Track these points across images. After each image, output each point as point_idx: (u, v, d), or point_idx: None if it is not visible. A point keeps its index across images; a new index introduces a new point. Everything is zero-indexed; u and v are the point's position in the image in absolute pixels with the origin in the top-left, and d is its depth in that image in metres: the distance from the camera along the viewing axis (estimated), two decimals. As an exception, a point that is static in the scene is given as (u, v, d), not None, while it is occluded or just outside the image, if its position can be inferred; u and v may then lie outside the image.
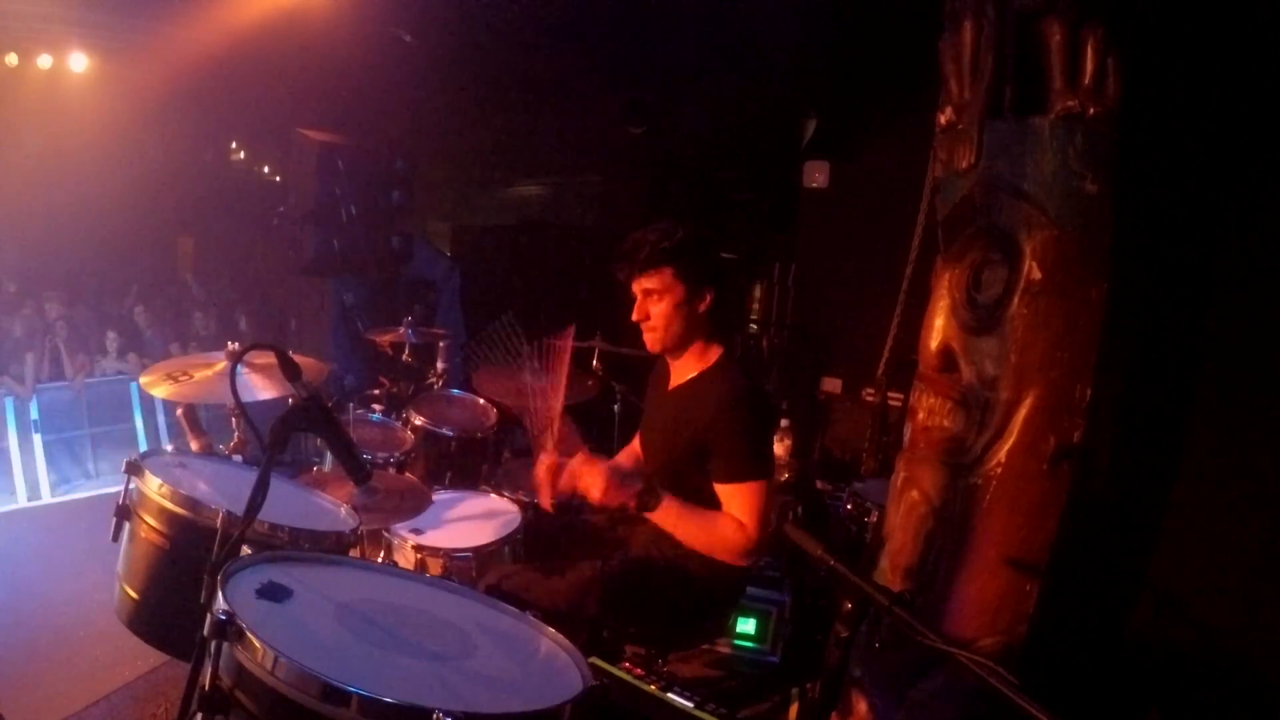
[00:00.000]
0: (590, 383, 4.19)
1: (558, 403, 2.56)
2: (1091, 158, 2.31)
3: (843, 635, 1.59)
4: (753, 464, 2.34)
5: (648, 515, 2.36)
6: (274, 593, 1.60)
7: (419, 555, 2.89)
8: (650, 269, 2.40)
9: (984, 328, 2.45)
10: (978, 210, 2.52)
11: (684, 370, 2.53)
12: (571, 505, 2.63)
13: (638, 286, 2.44)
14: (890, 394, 4.20)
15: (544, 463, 2.50)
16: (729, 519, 2.34)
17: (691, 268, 2.39)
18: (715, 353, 2.49)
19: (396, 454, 3.55)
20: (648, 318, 2.44)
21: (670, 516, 2.35)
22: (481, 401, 4.13)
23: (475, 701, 1.45)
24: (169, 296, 8.42)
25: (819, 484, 4.48)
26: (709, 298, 2.43)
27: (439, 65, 6.16)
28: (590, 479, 2.32)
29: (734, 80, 5.85)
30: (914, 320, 2.84)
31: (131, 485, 2.09)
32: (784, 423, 4.35)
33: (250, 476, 1.67)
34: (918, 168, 2.99)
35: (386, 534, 2.99)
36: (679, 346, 2.48)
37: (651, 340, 2.48)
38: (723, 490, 2.35)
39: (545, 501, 2.53)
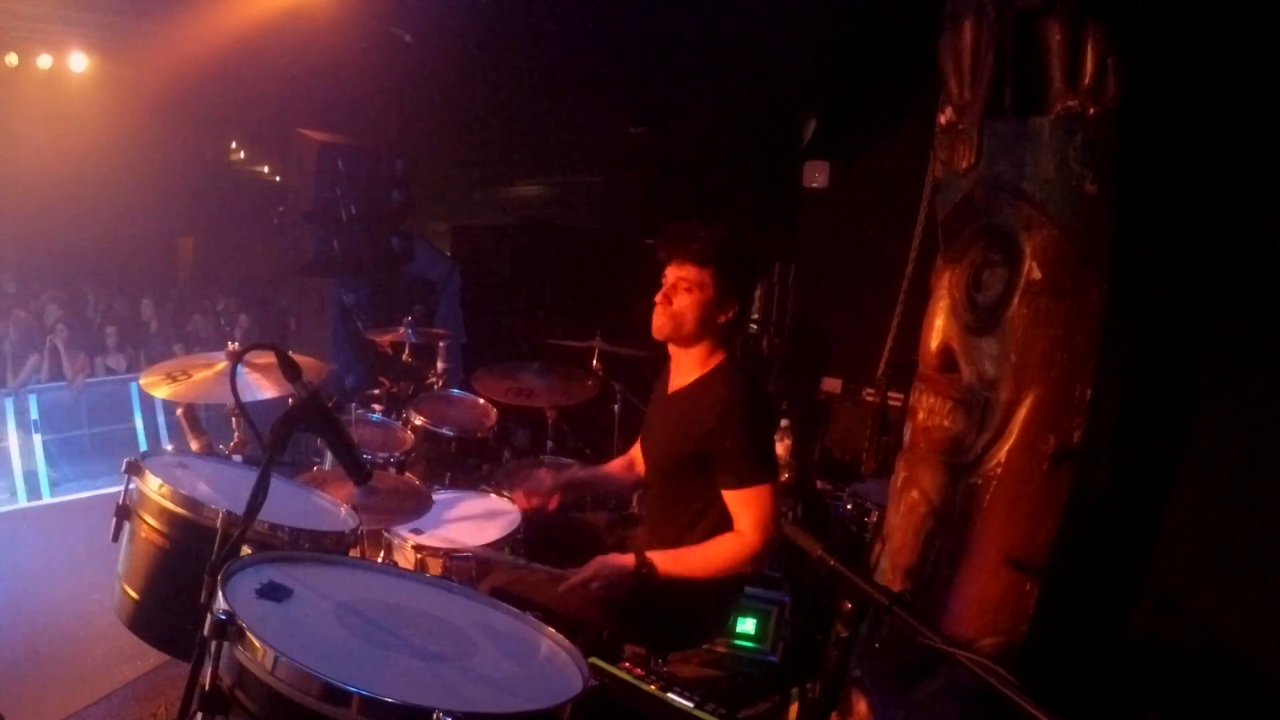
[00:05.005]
0: (590, 383, 4.19)
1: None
2: (1091, 158, 2.31)
3: (843, 635, 1.59)
4: (758, 468, 2.34)
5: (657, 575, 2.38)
6: (274, 593, 1.60)
7: (419, 555, 2.88)
8: (696, 262, 2.38)
9: (984, 328, 2.45)
10: (978, 210, 2.52)
11: (686, 373, 2.53)
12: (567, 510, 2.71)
13: (674, 272, 2.42)
14: (890, 394, 4.21)
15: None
16: (724, 538, 2.36)
17: (730, 278, 2.40)
18: (718, 357, 2.48)
19: (396, 454, 3.55)
20: (670, 303, 2.42)
21: (670, 567, 2.37)
22: (481, 401, 4.13)
23: (475, 701, 1.45)
24: (172, 297, 8.42)
25: (819, 484, 4.48)
26: (732, 311, 2.44)
27: (439, 65, 6.16)
28: (594, 579, 2.37)
29: (734, 80, 5.85)
30: (914, 320, 2.84)
31: (131, 485, 2.09)
32: (784, 423, 4.34)
33: (250, 476, 1.67)
34: (918, 168, 2.99)
35: (386, 534, 2.99)
36: (683, 341, 2.48)
37: (660, 324, 2.45)
38: (730, 496, 2.36)
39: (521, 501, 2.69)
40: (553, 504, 2.71)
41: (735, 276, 2.42)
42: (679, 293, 2.41)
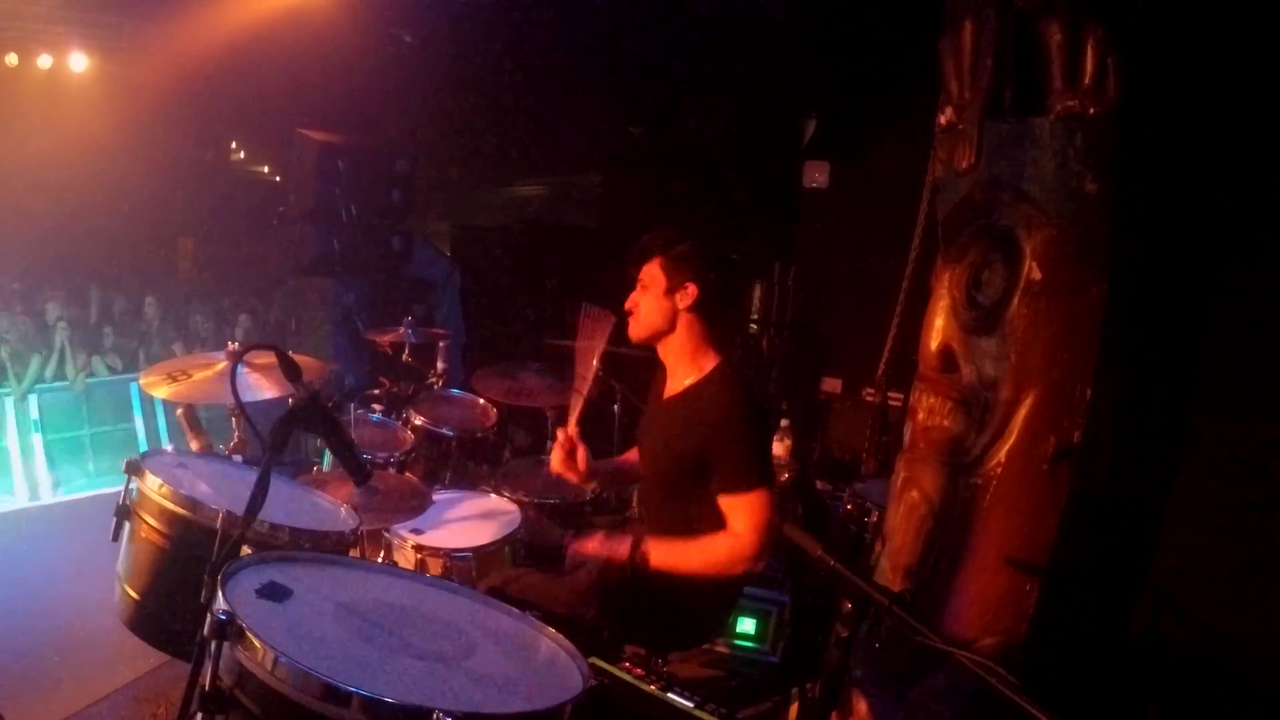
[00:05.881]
0: (590, 383, 4.18)
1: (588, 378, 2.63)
2: (1091, 158, 2.31)
3: (843, 635, 1.59)
4: (754, 474, 2.34)
5: (649, 566, 2.40)
6: (274, 593, 1.60)
7: (419, 555, 2.89)
8: (641, 261, 2.49)
9: (984, 328, 2.45)
10: (978, 210, 2.52)
11: (680, 378, 2.53)
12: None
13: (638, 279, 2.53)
14: (890, 394, 4.20)
15: (562, 438, 2.57)
16: (721, 537, 2.35)
17: (674, 260, 2.46)
18: (711, 361, 2.49)
19: (396, 454, 3.55)
20: (636, 307, 2.51)
21: (664, 559, 2.39)
22: (481, 401, 4.14)
23: (475, 701, 1.45)
24: (174, 296, 8.42)
25: (819, 484, 4.48)
26: (692, 291, 2.43)
27: (439, 65, 6.16)
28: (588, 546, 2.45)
29: (734, 80, 5.85)
30: (914, 320, 2.84)
31: (131, 485, 2.09)
32: (784, 423, 4.35)
33: (250, 476, 1.67)
34: (918, 168, 2.99)
35: (386, 534, 2.99)
36: (655, 338, 2.52)
37: (630, 328, 2.54)
38: (725, 502, 2.36)
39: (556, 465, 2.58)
40: (580, 448, 2.61)
41: (679, 260, 2.45)
42: (636, 294, 2.51)
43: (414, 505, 2.90)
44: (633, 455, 2.88)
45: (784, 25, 5.06)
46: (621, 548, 2.39)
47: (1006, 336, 2.39)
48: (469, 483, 3.62)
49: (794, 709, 3.20)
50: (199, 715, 1.41)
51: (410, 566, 2.85)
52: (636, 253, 2.51)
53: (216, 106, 7.79)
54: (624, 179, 7.23)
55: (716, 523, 2.40)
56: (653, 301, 2.47)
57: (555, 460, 2.57)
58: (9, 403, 6.38)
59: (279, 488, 1.99)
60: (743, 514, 2.33)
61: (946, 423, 2.54)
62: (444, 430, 3.85)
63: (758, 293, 6.27)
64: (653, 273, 2.47)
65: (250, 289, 8.88)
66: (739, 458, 2.34)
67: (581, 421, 2.59)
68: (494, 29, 5.66)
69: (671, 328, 2.48)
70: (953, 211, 2.62)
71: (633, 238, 2.56)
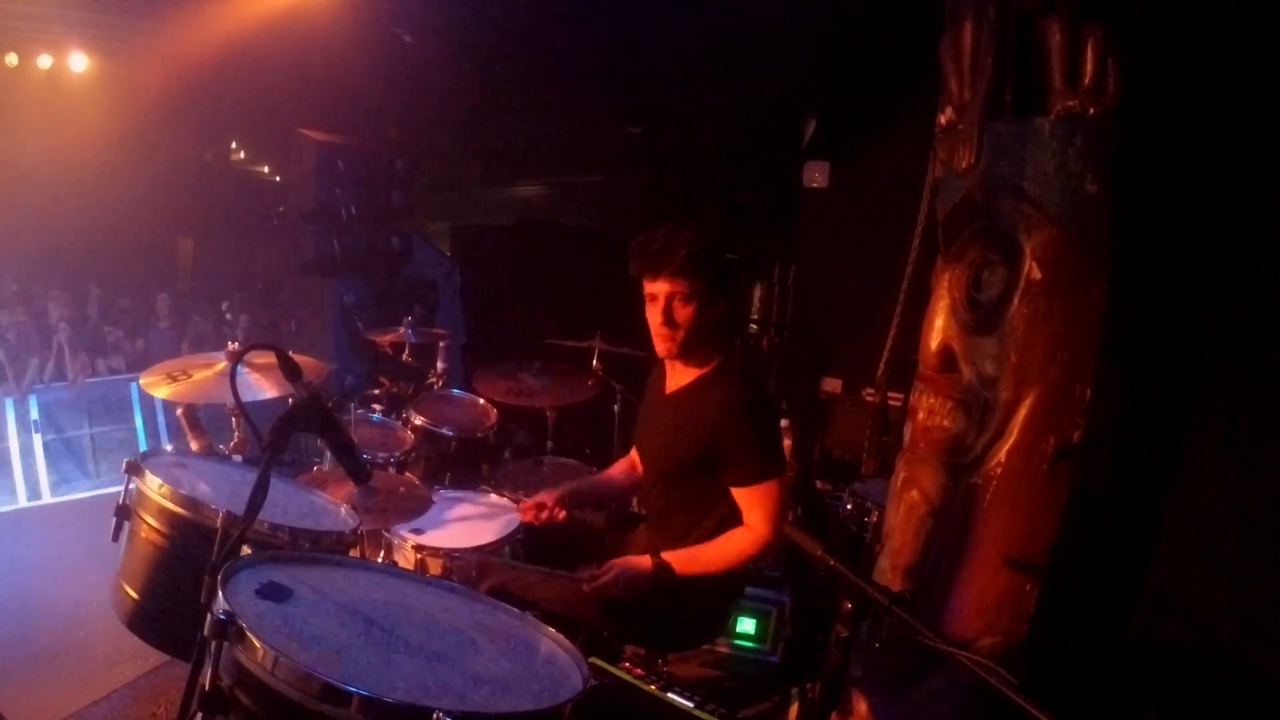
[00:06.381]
0: (590, 383, 4.19)
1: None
2: (1091, 158, 2.31)
3: (843, 635, 1.59)
4: (766, 465, 2.36)
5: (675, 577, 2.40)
6: (274, 593, 1.60)
7: (419, 555, 2.89)
8: (681, 274, 2.34)
9: (984, 328, 2.45)
10: (978, 210, 2.52)
11: (682, 374, 2.52)
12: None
13: (657, 287, 2.37)
14: (890, 394, 4.20)
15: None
16: (738, 533, 2.38)
17: (711, 278, 2.38)
18: (715, 357, 2.48)
19: (396, 454, 3.56)
20: (673, 322, 2.37)
21: (687, 567, 2.39)
22: (481, 401, 4.14)
23: (475, 701, 1.45)
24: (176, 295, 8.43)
25: (819, 484, 4.48)
26: (721, 306, 2.44)
27: (439, 65, 6.16)
28: (615, 584, 2.38)
29: (734, 80, 5.85)
30: (914, 320, 2.84)
31: (131, 485, 2.09)
32: (784, 423, 4.34)
33: (250, 476, 1.67)
34: (918, 168, 2.99)
35: (386, 534, 2.99)
36: (687, 352, 2.45)
37: (668, 346, 2.41)
38: (740, 494, 2.38)
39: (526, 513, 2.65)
40: (560, 516, 2.64)
41: (717, 275, 2.39)
42: (677, 308, 2.37)
43: (414, 505, 2.91)
44: (616, 470, 2.89)
45: (784, 25, 5.06)
46: (642, 566, 2.38)
47: (1006, 336, 2.39)
48: (469, 483, 3.62)
49: (794, 709, 3.19)
50: (199, 715, 1.41)
51: (410, 566, 2.85)
52: (679, 262, 2.32)
53: (216, 106, 7.80)
54: (624, 179, 7.25)
55: (723, 513, 2.42)
56: (696, 318, 2.36)
57: (525, 515, 2.64)
58: (9, 403, 6.38)
59: (279, 488, 1.99)
60: (757, 506, 2.36)
61: (946, 423, 2.54)
62: (444, 430, 3.85)
63: (758, 293, 6.27)
64: (696, 287, 2.34)
65: (250, 289, 8.89)
66: (749, 451, 2.35)
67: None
68: (494, 29, 5.66)
69: (702, 340, 2.44)
70: (953, 211, 2.62)
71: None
